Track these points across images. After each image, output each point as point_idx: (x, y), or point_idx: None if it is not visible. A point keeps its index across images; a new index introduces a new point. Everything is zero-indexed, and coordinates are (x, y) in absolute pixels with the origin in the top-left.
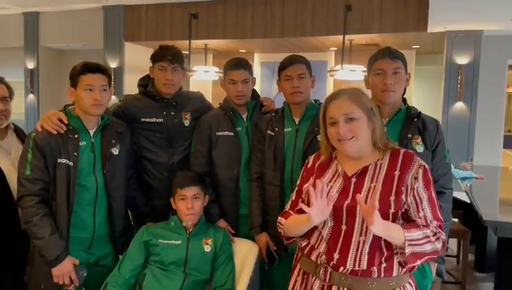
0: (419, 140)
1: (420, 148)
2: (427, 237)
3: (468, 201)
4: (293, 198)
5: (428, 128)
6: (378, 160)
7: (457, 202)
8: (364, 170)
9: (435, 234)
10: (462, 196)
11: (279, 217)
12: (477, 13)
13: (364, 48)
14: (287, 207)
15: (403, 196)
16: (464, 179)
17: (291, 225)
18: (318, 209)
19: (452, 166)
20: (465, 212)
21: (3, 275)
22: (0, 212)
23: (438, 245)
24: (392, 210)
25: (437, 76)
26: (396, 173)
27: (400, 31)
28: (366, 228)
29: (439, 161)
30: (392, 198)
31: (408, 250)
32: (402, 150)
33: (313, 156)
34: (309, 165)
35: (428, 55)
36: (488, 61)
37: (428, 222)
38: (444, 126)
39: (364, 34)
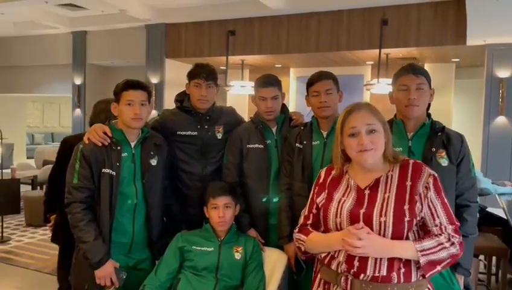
0: (443, 154)
1: (444, 162)
2: (441, 244)
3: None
4: (306, 213)
5: (453, 142)
6: (389, 171)
7: (495, 219)
8: (377, 182)
9: (449, 239)
10: (500, 212)
11: (297, 233)
12: None
13: (402, 62)
14: (301, 221)
15: (418, 204)
16: (502, 195)
17: (319, 244)
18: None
19: (489, 181)
20: (504, 229)
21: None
22: None
23: (454, 249)
24: (407, 218)
25: (478, 89)
26: (408, 183)
27: (438, 45)
28: (384, 235)
29: (464, 175)
30: (406, 207)
31: (422, 260)
32: (411, 161)
33: (324, 169)
34: (321, 180)
35: (469, 69)
36: None
37: (443, 229)
38: (485, 141)
39: (401, 48)
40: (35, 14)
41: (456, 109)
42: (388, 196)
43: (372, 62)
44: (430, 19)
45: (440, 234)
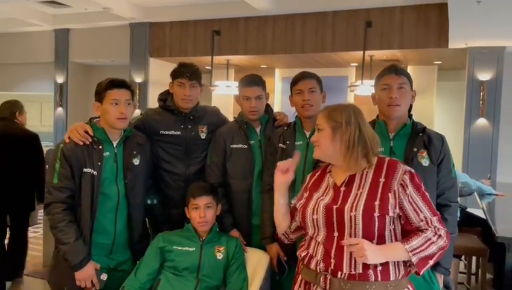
0: (424, 154)
1: (426, 162)
2: (429, 239)
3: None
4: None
5: (434, 143)
6: (365, 169)
7: (475, 219)
8: (352, 179)
9: (435, 233)
10: (480, 213)
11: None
12: (499, 30)
13: (385, 64)
14: None
15: (391, 201)
16: (482, 195)
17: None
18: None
19: (467, 175)
20: (484, 229)
21: None
22: None
23: (441, 242)
24: (376, 213)
25: (459, 92)
26: (381, 179)
27: (421, 47)
28: (355, 232)
29: (445, 175)
30: (377, 203)
31: (414, 259)
32: (387, 159)
33: (310, 174)
34: (305, 183)
35: (451, 71)
36: (511, 78)
37: (429, 223)
38: (466, 142)
39: (385, 50)
40: (17, 11)
41: (438, 111)
42: (361, 192)
43: (356, 64)
44: (413, 22)
45: (427, 229)
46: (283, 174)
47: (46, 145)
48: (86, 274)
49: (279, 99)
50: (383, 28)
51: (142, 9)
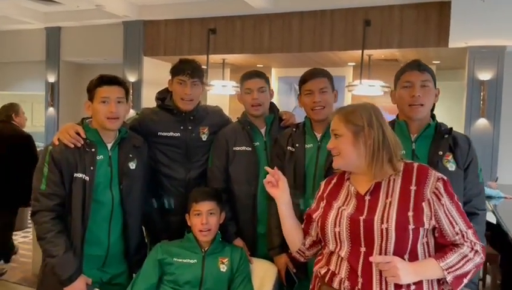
0: (450, 157)
1: (452, 166)
2: (465, 256)
3: (495, 222)
4: (302, 226)
5: (460, 145)
6: (391, 175)
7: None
8: (378, 187)
9: (472, 248)
10: (488, 216)
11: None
12: (500, 29)
13: (384, 63)
14: None
15: (426, 211)
16: (490, 197)
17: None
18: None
19: None
20: (492, 233)
21: None
22: None
23: (478, 258)
24: (411, 226)
25: (459, 92)
26: (412, 187)
27: (420, 46)
28: (386, 247)
29: (472, 180)
30: (411, 213)
31: (449, 277)
32: (415, 164)
33: (324, 181)
34: (320, 192)
35: (450, 71)
36: (511, 78)
37: (465, 237)
38: None
39: (384, 49)
40: (7, 8)
41: (437, 110)
42: (390, 201)
43: (353, 63)
44: (413, 21)
45: (462, 244)
46: (275, 188)
47: (37, 145)
48: (76, 289)
49: (276, 100)
50: (382, 26)
51: (136, 6)
